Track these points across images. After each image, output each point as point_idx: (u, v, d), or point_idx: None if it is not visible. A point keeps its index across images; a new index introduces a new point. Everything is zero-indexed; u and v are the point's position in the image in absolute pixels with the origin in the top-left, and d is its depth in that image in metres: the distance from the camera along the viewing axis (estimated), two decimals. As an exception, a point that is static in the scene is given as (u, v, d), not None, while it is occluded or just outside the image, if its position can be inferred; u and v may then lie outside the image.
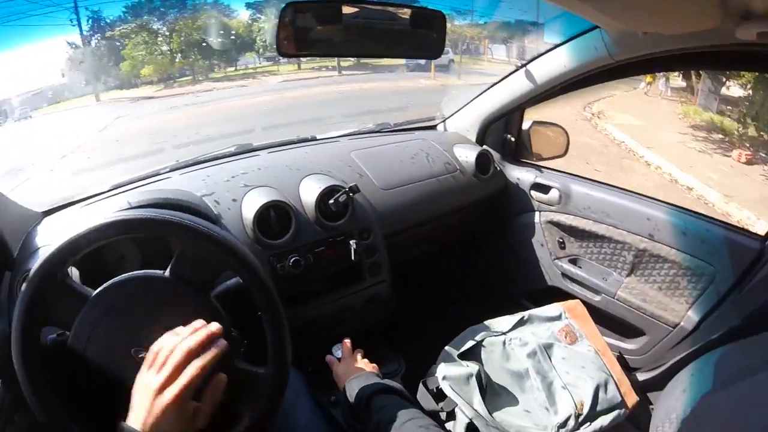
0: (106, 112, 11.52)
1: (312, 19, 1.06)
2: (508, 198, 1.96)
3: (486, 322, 1.43)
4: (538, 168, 1.91)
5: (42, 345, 0.84)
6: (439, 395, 1.23)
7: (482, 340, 1.34)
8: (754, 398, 0.75)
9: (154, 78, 14.82)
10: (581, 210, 1.72)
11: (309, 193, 1.41)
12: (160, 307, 0.86)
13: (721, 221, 1.46)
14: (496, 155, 1.96)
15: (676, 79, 12.32)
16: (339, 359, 1.28)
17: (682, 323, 1.49)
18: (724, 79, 10.05)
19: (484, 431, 1.15)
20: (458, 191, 1.77)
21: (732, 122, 8.95)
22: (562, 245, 1.82)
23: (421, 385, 1.27)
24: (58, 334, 0.86)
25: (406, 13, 1.12)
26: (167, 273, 0.87)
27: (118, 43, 14.46)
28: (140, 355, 0.82)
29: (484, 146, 1.92)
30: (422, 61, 14.20)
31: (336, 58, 15.08)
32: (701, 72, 10.44)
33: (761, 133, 8.05)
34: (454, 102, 2.11)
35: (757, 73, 7.76)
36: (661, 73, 12.04)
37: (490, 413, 1.17)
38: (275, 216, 1.33)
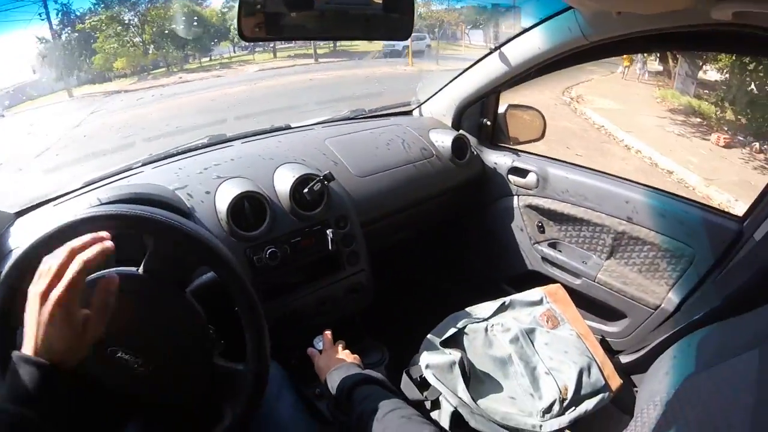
0: (79, 107, 11.32)
1: (282, 4, 1.05)
2: (485, 183, 1.95)
3: (467, 309, 1.42)
4: (516, 152, 1.90)
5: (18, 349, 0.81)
6: (422, 384, 1.22)
7: (464, 327, 1.33)
8: (736, 379, 0.75)
9: (127, 71, 14.58)
10: (559, 193, 1.71)
11: (283, 182, 1.38)
12: (135, 305, 0.84)
13: (699, 203, 1.46)
14: (472, 140, 1.94)
15: (653, 63, 12.47)
16: (321, 351, 1.26)
17: (663, 305, 1.50)
18: (701, 63, 10.19)
19: (469, 419, 1.14)
20: (435, 177, 1.75)
21: (710, 106, 9.09)
22: (541, 229, 1.82)
23: (404, 375, 1.26)
24: None
25: None
26: (141, 270, 0.85)
27: (89, 37, 14.16)
28: (117, 355, 0.82)
29: (461, 131, 1.91)
30: (399, 48, 14.18)
31: (312, 46, 15.00)
32: (678, 56, 10.58)
33: (739, 116, 8.18)
34: (429, 87, 2.08)
35: (734, 57, 7.89)
36: (639, 57, 12.18)
37: (475, 400, 1.16)
38: (249, 207, 1.30)
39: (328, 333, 1.30)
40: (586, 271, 1.67)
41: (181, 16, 15.54)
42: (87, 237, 0.74)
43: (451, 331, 1.32)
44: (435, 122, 1.99)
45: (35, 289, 0.69)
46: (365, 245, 1.51)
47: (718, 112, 8.64)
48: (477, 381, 1.23)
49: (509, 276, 1.98)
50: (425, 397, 1.20)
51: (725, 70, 9.08)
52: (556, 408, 1.17)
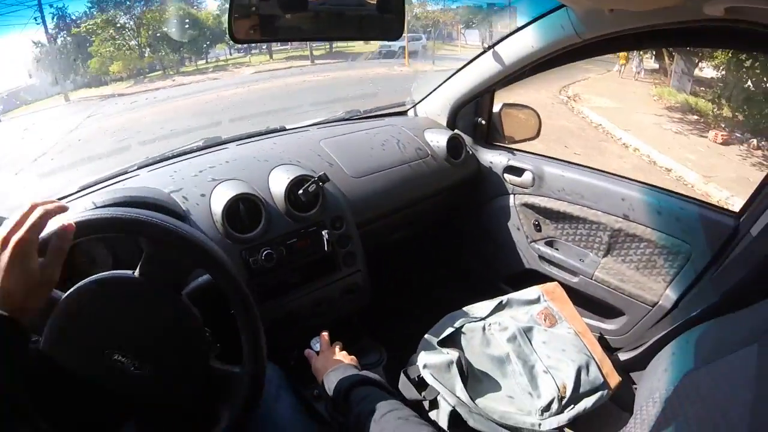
0: (76, 111, 11.28)
1: (277, 6, 1.05)
2: (481, 182, 1.95)
3: (464, 308, 1.42)
4: (511, 151, 1.90)
5: None
6: (420, 384, 1.23)
7: (461, 327, 1.33)
8: (735, 375, 0.75)
9: (123, 74, 14.52)
10: (555, 192, 1.71)
11: (278, 184, 1.38)
12: (131, 308, 0.85)
13: (695, 199, 1.47)
14: (467, 139, 1.94)
15: (650, 61, 12.47)
16: (318, 353, 1.26)
17: (660, 302, 1.50)
18: (696, 60, 10.19)
19: (468, 418, 1.14)
20: (430, 176, 1.75)
21: (706, 103, 9.08)
22: (537, 228, 1.82)
23: (402, 375, 1.27)
24: (32, 341, 0.84)
25: None
26: (137, 273, 0.85)
27: (85, 40, 14.13)
28: (113, 357, 0.83)
29: (456, 130, 1.91)
30: (395, 48, 14.17)
31: (308, 48, 14.98)
32: (674, 53, 10.59)
33: (736, 113, 8.18)
34: (424, 87, 2.08)
35: (730, 54, 7.90)
36: (635, 55, 12.18)
37: (473, 400, 1.17)
38: (245, 209, 1.30)
39: (325, 334, 1.29)
40: (583, 269, 1.67)
41: (176, 19, 15.52)
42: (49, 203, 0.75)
43: (449, 330, 1.32)
44: (430, 122, 1.99)
45: None
46: (361, 246, 1.50)
47: (715, 110, 8.64)
48: (475, 380, 1.23)
49: (506, 275, 1.97)
50: (423, 396, 1.21)
51: (721, 67, 9.08)
52: (554, 406, 1.18)
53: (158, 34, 15.03)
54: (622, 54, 11.61)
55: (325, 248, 1.39)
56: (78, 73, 13.91)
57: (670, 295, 1.48)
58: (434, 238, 2.25)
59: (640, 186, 1.54)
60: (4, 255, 0.68)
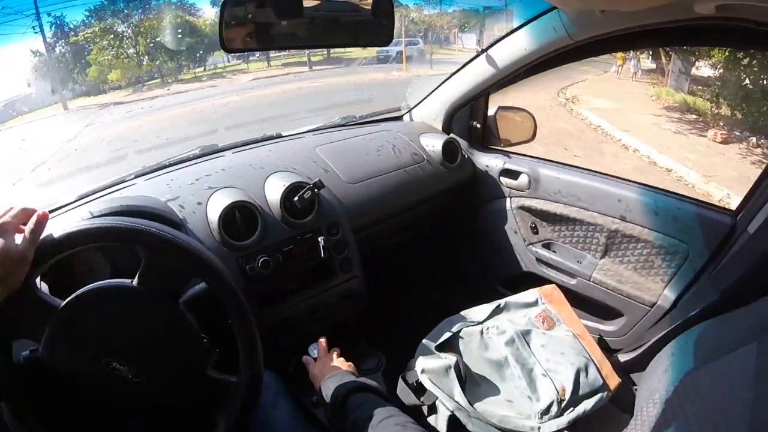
0: (74, 120, 11.33)
1: (271, 13, 1.05)
2: (477, 185, 1.95)
3: (462, 312, 1.42)
4: (507, 154, 1.90)
5: (16, 363, 0.84)
6: (419, 389, 1.22)
7: (459, 331, 1.33)
8: (734, 374, 0.75)
9: (122, 82, 14.59)
10: (552, 194, 1.71)
11: (273, 191, 1.38)
12: (129, 317, 0.86)
13: (692, 198, 1.46)
14: (463, 143, 1.94)
15: (646, 61, 12.50)
16: (315, 359, 1.26)
17: (659, 302, 1.49)
18: (693, 59, 10.22)
19: (467, 422, 1.14)
20: (426, 181, 1.75)
21: (705, 102, 9.11)
22: (534, 230, 1.81)
23: (400, 380, 1.26)
24: (31, 350, 0.86)
25: (367, 3, 1.14)
26: (135, 282, 0.86)
27: (83, 49, 14.17)
28: (111, 365, 0.83)
29: (451, 134, 1.91)
30: (393, 53, 14.20)
31: (306, 54, 15.02)
32: (671, 52, 10.62)
33: (734, 112, 8.19)
34: (419, 91, 2.08)
35: (726, 52, 7.92)
36: (632, 55, 12.21)
37: (472, 404, 1.16)
38: (240, 217, 1.30)
39: (322, 340, 1.29)
40: (581, 271, 1.67)
41: (173, 27, 15.56)
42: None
43: (447, 335, 1.31)
44: (425, 127, 1.99)
45: None
46: (357, 251, 1.50)
47: (713, 108, 8.66)
48: (473, 384, 1.23)
49: (504, 278, 1.97)
50: (422, 401, 1.20)
51: (718, 66, 9.10)
52: (554, 409, 1.17)
53: (156, 42, 15.08)
54: (619, 54, 11.66)
55: (322, 254, 1.39)
56: (76, 81, 13.97)
57: (668, 295, 1.47)
58: (431, 242, 2.25)
59: (637, 187, 1.53)
60: None
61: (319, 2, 1.08)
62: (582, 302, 1.68)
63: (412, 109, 2.10)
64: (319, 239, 1.39)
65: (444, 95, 1.92)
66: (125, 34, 15.11)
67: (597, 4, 1.17)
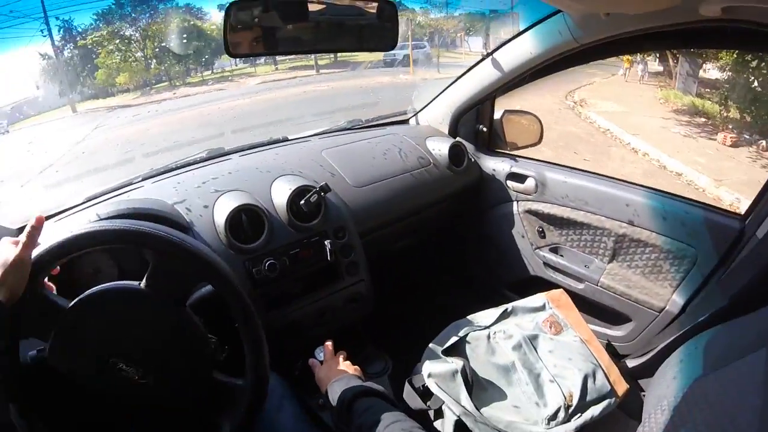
0: (83, 123, 11.38)
1: (276, 17, 1.05)
2: (484, 189, 1.95)
3: (469, 317, 1.42)
4: (513, 157, 1.89)
5: (23, 363, 0.85)
6: (425, 393, 1.22)
7: (466, 335, 1.33)
8: (743, 381, 0.74)
9: (130, 85, 14.63)
10: (559, 198, 1.71)
11: (280, 194, 1.38)
12: (136, 319, 0.87)
13: (700, 202, 1.45)
14: (469, 146, 1.94)
15: (654, 64, 12.44)
16: (322, 362, 1.26)
17: (667, 307, 1.48)
18: (701, 62, 10.16)
19: (473, 427, 1.14)
20: (433, 185, 1.75)
21: (713, 105, 9.03)
22: (542, 234, 1.81)
23: (407, 384, 1.26)
24: (38, 350, 0.87)
25: (372, 7, 1.13)
26: (142, 284, 0.87)
27: (91, 52, 14.25)
28: (118, 366, 0.85)
29: (457, 138, 1.91)
30: (400, 57, 14.22)
31: (313, 57, 15.03)
32: (678, 55, 10.56)
33: (743, 115, 8.12)
34: (425, 95, 2.08)
35: (734, 55, 7.87)
36: (639, 58, 12.16)
37: (478, 409, 1.16)
38: (247, 220, 1.30)
39: (329, 344, 1.30)
40: (588, 276, 1.66)
41: (181, 30, 15.61)
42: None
43: (453, 339, 1.31)
44: (432, 130, 1.99)
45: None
46: (364, 255, 1.50)
47: (722, 111, 8.59)
48: (480, 389, 1.22)
49: (511, 282, 1.96)
50: (428, 406, 1.20)
51: (726, 68, 9.04)
52: (561, 415, 1.16)
53: (164, 46, 15.15)
54: (626, 57, 11.60)
55: (328, 258, 1.39)
56: (85, 84, 14.04)
57: (677, 300, 1.46)
58: (437, 245, 2.25)
59: (645, 191, 1.52)
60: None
61: (324, 6, 1.08)
62: (590, 307, 1.67)
63: (418, 112, 2.10)
64: (326, 242, 1.39)
65: (450, 99, 1.92)
66: (133, 37, 15.17)
67: (601, 7, 1.17)
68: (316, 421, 1.25)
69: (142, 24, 15.30)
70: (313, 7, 1.05)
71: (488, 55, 1.66)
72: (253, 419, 0.94)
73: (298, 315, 1.39)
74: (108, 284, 0.86)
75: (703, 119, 9.02)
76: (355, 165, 1.65)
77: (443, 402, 1.17)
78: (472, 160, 1.91)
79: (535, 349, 1.30)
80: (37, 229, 0.83)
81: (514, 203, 1.86)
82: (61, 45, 14.07)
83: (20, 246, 0.80)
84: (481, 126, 1.95)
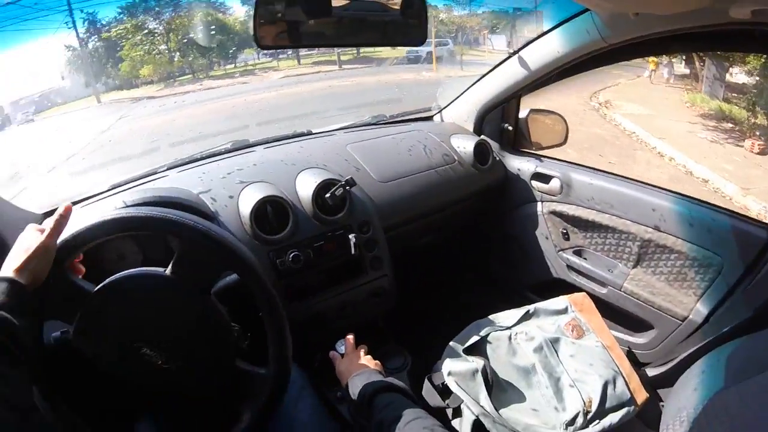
0: (107, 113, 11.56)
1: (301, 12, 1.06)
2: (508, 188, 1.93)
3: (491, 317, 1.41)
4: (538, 157, 1.88)
5: (47, 344, 0.87)
6: (444, 391, 1.22)
7: (487, 335, 1.32)
8: (764, 395, 0.73)
9: (154, 77, 14.79)
10: (584, 200, 1.68)
11: (305, 187, 1.39)
12: (161, 304, 0.89)
13: (727, 210, 1.42)
14: (494, 145, 1.93)
15: (680, 66, 12.24)
16: (342, 355, 1.27)
17: (690, 316, 1.46)
18: (727, 65, 9.95)
19: (491, 428, 1.13)
20: (457, 182, 1.74)
21: (741, 110, 8.83)
22: (566, 236, 1.79)
23: (426, 381, 1.26)
24: (62, 331, 0.88)
25: (395, 3, 1.13)
26: (168, 271, 0.88)
27: (115, 44, 14.44)
28: (142, 350, 0.86)
29: (482, 136, 1.90)
30: (423, 54, 14.17)
31: (336, 53, 15.07)
32: (705, 58, 10.37)
33: (772, 121, 7.95)
34: (449, 92, 2.07)
35: (763, 59, 7.69)
36: (665, 60, 11.97)
37: (497, 410, 1.15)
38: (272, 211, 1.32)
39: (350, 337, 1.30)
40: (612, 280, 1.64)
41: (205, 24, 15.73)
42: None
43: (474, 338, 1.31)
44: (456, 128, 1.98)
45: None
46: (387, 250, 1.51)
47: (749, 117, 8.41)
48: (500, 390, 1.21)
49: (533, 283, 1.95)
50: (447, 404, 1.20)
51: (754, 73, 8.85)
52: (579, 420, 1.15)
53: (187, 39, 15.29)
54: (652, 59, 11.42)
55: (352, 251, 1.40)
56: (109, 75, 14.24)
57: (700, 310, 1.43)
58: (461, 243, 2.24)
59: (671, 196, 1.50)
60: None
61: (347, 2, 1.08)
62: (612, 312, 1.65)
63: (442, 109, 2.10)
64: (350, 236, 1.40)
65: (475, 96, 1.91)
66: (157, 30, 15.32)
67: (630, 6, 1.15)
68: (334, 414, 1.26)
69: (165, 18, 15.44)
70: (336, 2, 1.05)
71: (515, 53, 1.65)
72: (274, 409, 0.95)
73: (320, 307, 1.40)
74: (134, 270, 0.88)
75: (731, 125, 8.82)
76: (380, 160, 1.65)
77: (462, 401, 1.16)
78: (497, 158, 1.90)
79: (556, 353, 1.29)
80: (64, 217, 0.85)
81: (539, 204, 1.84)
82: (86, 37, 14.28)
83: (45, 234, 0.82)
84: (506, 125, 1.93)
